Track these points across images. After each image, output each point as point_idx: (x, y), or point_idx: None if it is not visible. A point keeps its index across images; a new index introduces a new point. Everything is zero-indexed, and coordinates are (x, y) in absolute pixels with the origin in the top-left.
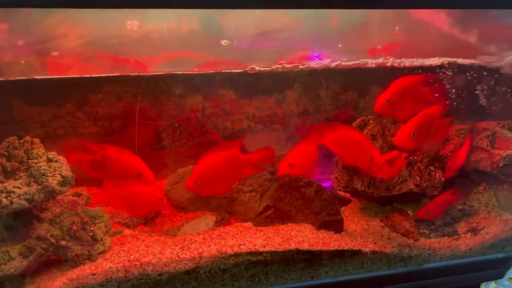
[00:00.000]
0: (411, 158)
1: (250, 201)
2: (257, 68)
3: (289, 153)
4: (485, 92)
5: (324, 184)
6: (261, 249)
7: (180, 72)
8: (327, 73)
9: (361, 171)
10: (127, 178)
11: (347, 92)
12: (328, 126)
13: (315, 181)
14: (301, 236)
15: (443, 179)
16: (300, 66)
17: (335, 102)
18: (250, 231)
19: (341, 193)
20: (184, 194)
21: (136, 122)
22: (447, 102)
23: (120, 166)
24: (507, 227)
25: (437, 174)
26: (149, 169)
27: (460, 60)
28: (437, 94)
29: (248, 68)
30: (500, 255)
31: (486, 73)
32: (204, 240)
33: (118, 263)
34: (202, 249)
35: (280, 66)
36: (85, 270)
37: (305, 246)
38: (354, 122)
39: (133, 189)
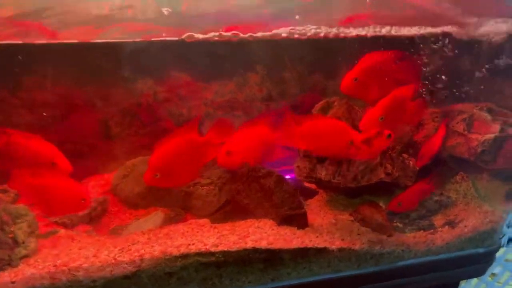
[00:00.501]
0: None
1: (208, 195)
2: (196, 35)
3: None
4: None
5: (289, 175)
6: (212, 249)
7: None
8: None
9: (333, 157)
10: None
11: (313, 73)
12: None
13: (275, 171)
14: (260, 233)
15: (417, 168)
16: (243, 35)
17: (302, 85)
18: (203, 228)
19: (306, 184)
20: (134, 189)
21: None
22: (420, 82)
23: (28, 154)
24: (487, 220)
25: (410, 162)
26: (66, 158)
27: (436, 30)
28: (410, 73)
29: (185, 35)
30: (481, 250)
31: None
32: (149, 240)
33: (42, 268)
34: (144, 251)
35: (227, 34)
36: (4, 277)
37: (263, 244)
38: (316, 105)
39: (49, 182)
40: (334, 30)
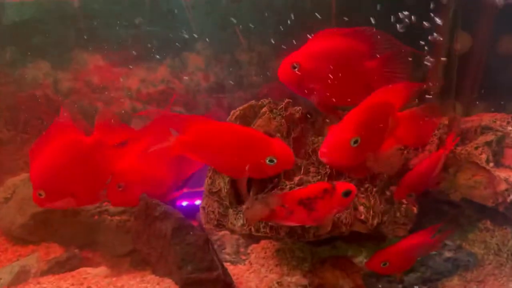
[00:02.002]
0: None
1: (120, 230)
2: None
3: (120, 166)
4: None
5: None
6: None
7: None
8: None
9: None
10: None
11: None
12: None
13: (174, 211)
14: None
15: (415, 211)
16: None
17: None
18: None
19: None
20: (17, 218)
21: None
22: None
23: None
24: None
25: (403, 202)
26: None
27: None
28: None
29: None
30: None
31: None
32: None
33: None
34: None
35: None
36: None
37: None
38: (233, 111)
39: None
40: None
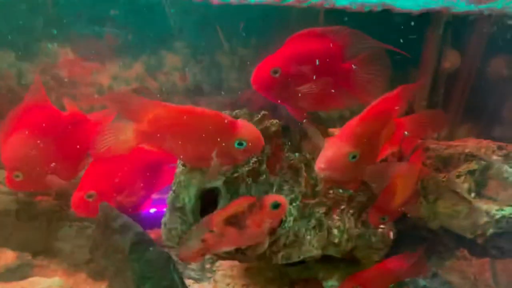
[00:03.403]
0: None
1: (79, 236)
2: None
3: (86, 173)
4: None
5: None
6: None
7: None
8: None
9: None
10: None
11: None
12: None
13: (134, 224)
14: None
15: (392, 236)
16: None
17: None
18: None
19: None
20: None
21: None
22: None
23: None
24: None
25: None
26: None
27: None
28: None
29: None
30: None
31: None
32: None
33: None
34: None
35: None
36: None
37: None
38: None
39: None
40: None
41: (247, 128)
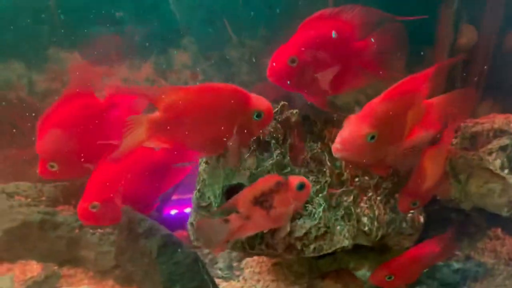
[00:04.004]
0: (356, 181)
1: (103, 243)
2: None
3: (88, 182)
4: None
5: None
6: None
7: None
8: None
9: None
10: None
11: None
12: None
13: (160, 227)
14: None
15: (422, 220)
16: None
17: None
18: None
19: None
20: None
21: None
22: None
23: None
24: None
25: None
26: None
27: None
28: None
29: None
30: None
31: None
32: None
33: None
34: None
35: None
36: None
37: None
38: None
39: None
40: None
41: (259, 98)
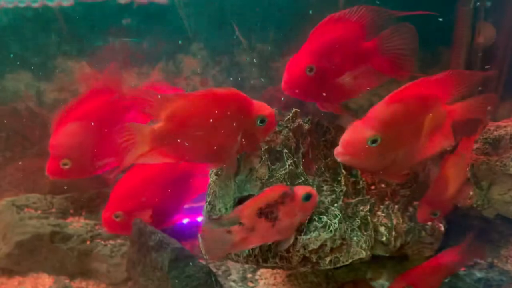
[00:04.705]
0: (372, 188)
1: (114, 255)
2: None
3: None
4: None
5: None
6: None
7: None
8: None
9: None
10: None
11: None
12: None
13: (171, 240)
14: None
15: (443, 228)
16: None
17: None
18: None
19: None
20: (1, 248)
21: None
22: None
23: None
24: None
25: None
26: None
27: None
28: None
29: None
30: None
31: None
32: None
33: None
34: None
35: None
36: None
37: None
38: None
39: None
40: None
41: (261, 104)
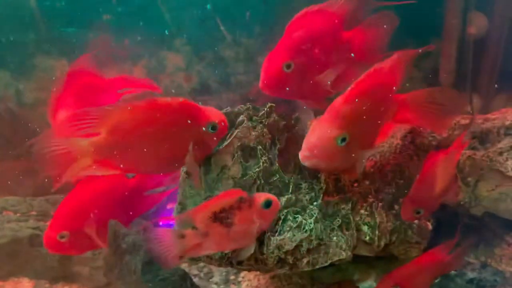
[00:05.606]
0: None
1: (96, 257)
2: None
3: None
4: None
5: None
6: None
7: None
8: None
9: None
10: None
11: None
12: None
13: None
14: None
15: (430, 227)
16: None
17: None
18: None
19: None
20: None
21: None
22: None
23: None
24: None
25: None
26: None
27: None
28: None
29: None
30: None
31: None
32: None
33: None
34: None
35: None
36: None
37: None
38: None
39: None
40: None
41: (211, 110)
